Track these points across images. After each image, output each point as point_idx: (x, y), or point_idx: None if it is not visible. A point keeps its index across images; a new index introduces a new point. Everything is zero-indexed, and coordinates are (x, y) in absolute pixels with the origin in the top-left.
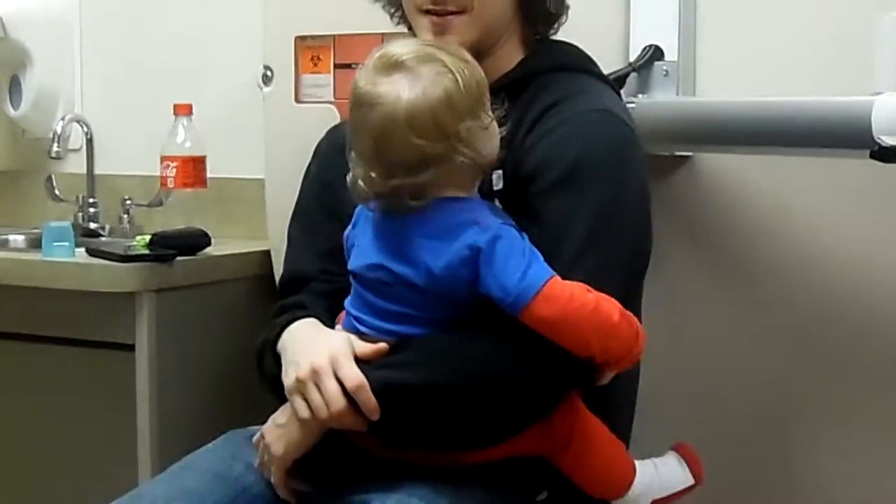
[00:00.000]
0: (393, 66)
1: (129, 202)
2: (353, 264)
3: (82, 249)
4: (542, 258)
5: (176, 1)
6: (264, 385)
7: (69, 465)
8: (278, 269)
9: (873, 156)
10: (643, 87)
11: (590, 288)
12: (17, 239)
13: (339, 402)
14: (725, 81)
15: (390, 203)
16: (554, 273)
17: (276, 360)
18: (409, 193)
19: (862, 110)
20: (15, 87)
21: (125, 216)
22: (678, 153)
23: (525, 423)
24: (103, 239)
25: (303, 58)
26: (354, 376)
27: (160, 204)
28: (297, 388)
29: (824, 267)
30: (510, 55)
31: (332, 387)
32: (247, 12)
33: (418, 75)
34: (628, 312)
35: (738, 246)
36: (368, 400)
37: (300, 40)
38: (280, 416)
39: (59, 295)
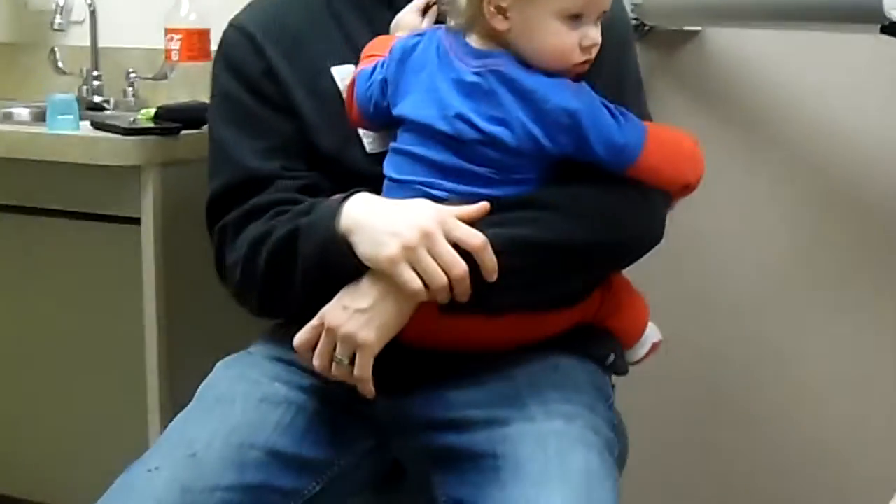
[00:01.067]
0: None
1: (133, 75)
2: (415, 113)
3: (87, 122)
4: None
5: None
6: (284, 280)
7: (75, 339)
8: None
9: (884, 30)
10: None
11: (661, 125)
12: (22, 112)
13: (459, 265)
14: None
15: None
16: (645, 123)
17: (322, 252)
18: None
19: None
20: None
21: (129, 89)
22: (687, 28)
23: (631, 262)
24: (108, 112)
25: None
26: (474, 235)
27: (165, 77)
28: (405, 257)
29: (829, 136)
30: None
31: (447, 250)
32: None
33: None
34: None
35: (745, 119)
36: (490, 260)
37: None
38: (356, 298)
39: (65, 168)
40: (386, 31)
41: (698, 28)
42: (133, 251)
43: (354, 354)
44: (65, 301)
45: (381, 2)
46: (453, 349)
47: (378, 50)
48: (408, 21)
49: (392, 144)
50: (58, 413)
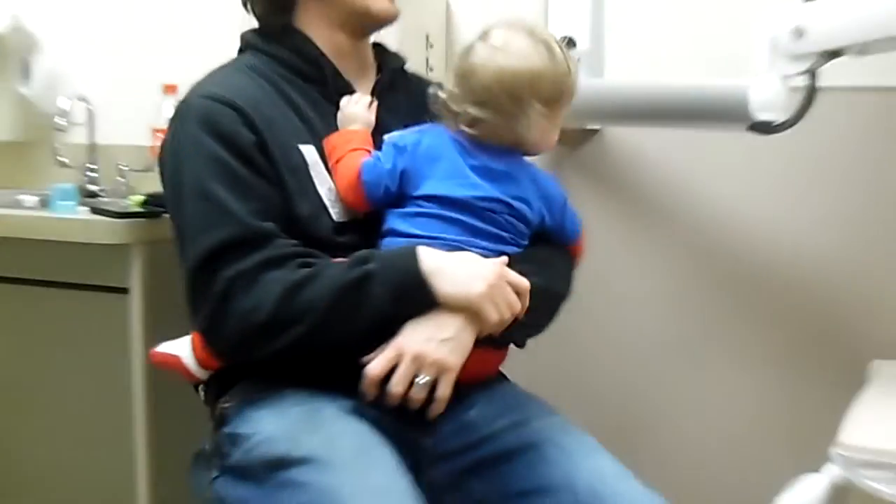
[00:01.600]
0: (546, 38)
1: (124, 168)
2: (451, 192)
3: (85, 208)
4: None
5: None
6: (343, 322)
7: (69, 398)
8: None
9: (750, 129)
10: None
11: None
12: (29, 199)
13: (518, 304)
14: (629, 67)
15: (502, 150)
16: None
17: (402, 291)
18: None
19: (741, 91)
20: (25, 68)
21: (121, 179)
22: (589, 127)
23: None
24: (102, 199)
25: None
26: (523, 281)
27: (151, 169)
28: (489, 295)
29: (711, 220)
30: (370, 50)
31: (511, 291)
32: (227, 2)
33: (568, 53)
34: None
35: (639, 202)
36: (528, 301)
37: None
38: (441, 332)
39: (65, 247)
40: (330, 121)
41: (598, 126)
42: (122, 317)
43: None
44: (63, 361)
45: (329, 100)
46: (464, 379)
47: (357, 144)
48: (359, 113)
49: (414, 209)
50: (48, 468)
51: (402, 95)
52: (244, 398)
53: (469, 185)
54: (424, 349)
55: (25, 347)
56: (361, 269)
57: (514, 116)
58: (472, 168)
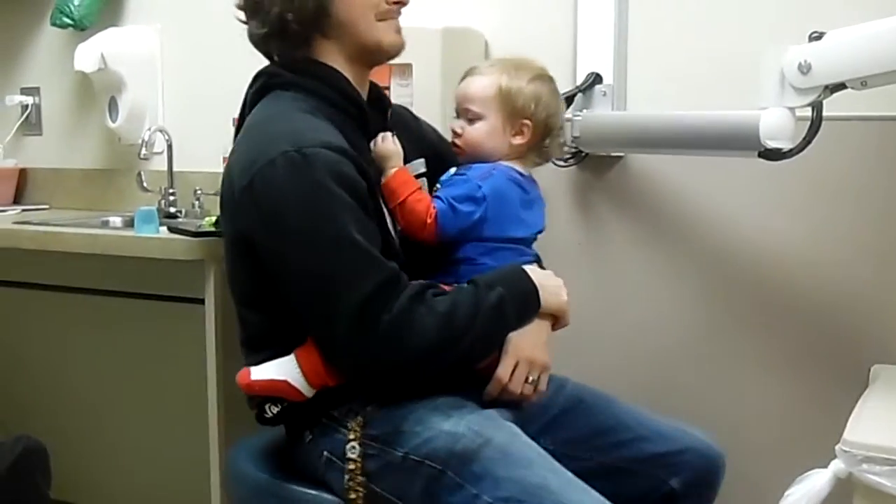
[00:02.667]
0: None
1: (199, 192)
2: (522, 233)
3: (164, 228)
4: None
5: (233, 39)
6: (492, 336)
7: (151, 396)
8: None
9: (761, 155)
10: (587, 104)
11: None
12: (116, 220)
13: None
14: (650, 100)
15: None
16: None
17: (526, 306)
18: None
19: (752, 121)
20: (113, 105)
21: (196, 202)
22: (613, 154)
23: None
24: (180, 220)
25: None
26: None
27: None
28: (566, 305)
29: (724, 238)
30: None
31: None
32: None
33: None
34: None
35: (659, 222)
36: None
37: None
38: (537, 335)
39: (148, 262)
40: (368, 155)
41: (622, 154)
42: (199, 324)
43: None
44: (146, 364)
45: (364, 132)
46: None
47: (414, 185)
48: (392, 149)
49: (492, 245)
50: (133, 463)
51: (402, 123)
52: (382, 404)
53: (527, 225)
54: (533, 354)
55: (112, 352)
56: (496, 292)
57: (543, 141)
58: (526, 203)
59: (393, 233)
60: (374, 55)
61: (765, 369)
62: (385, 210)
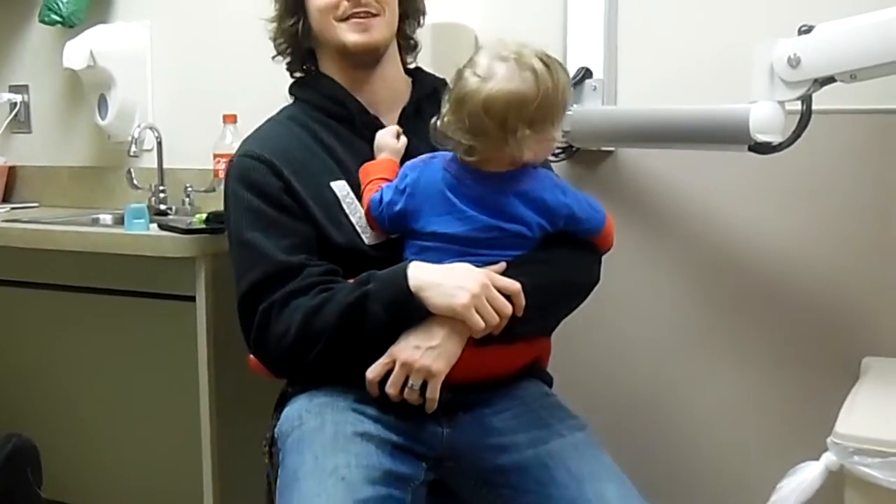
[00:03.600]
0: (525, 55)
1: (189, 189)
2: (447, 228)
3: (155, 225)
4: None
5: (223, 36)
6: (349, 337)
7: (142, 394)
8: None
9: (751, 149)
10: (577, 99)
11: None
12: (106, 218)
13: (508, 306)
14: (640, 94)
15: (497, 173)
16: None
17: (395, 307)
18: (538, 153)
19: (742, 115)
20: (102, 102)
21: (187, 199)
22: (604, 148)
23: (585, 298)
24: (171, 217)
25: None
26: (513, 283)
27: (213, 190)
28: (472, 304)
29: (715, 231)
30: (400, 77)
31: (499, 297)
32: None
33: (546, 64)
34: None
35: (650, 216)
36: (523, 300)
37: None
38: (425, 338)
39: (139, 260)
40: (365, 156)
41: (613, 148)
42: (190, 321)
43: (424, 382)
44: (138, 361)
45: (359, 135)
46: (481, 378)
47: (380, 173)
48: (387, 142)
49: (421, 244)
50: (124, 461)
51: (430, 119)
52: (300, 388)
53: (464, 219)
54: (412, 356)
55: (104, 350)
56: (361, 289)
57: (504, 142)
58: (466, 199)
59: (358, 228)
60: (347, 57)
61: (755, 362)
62: (358, 206)
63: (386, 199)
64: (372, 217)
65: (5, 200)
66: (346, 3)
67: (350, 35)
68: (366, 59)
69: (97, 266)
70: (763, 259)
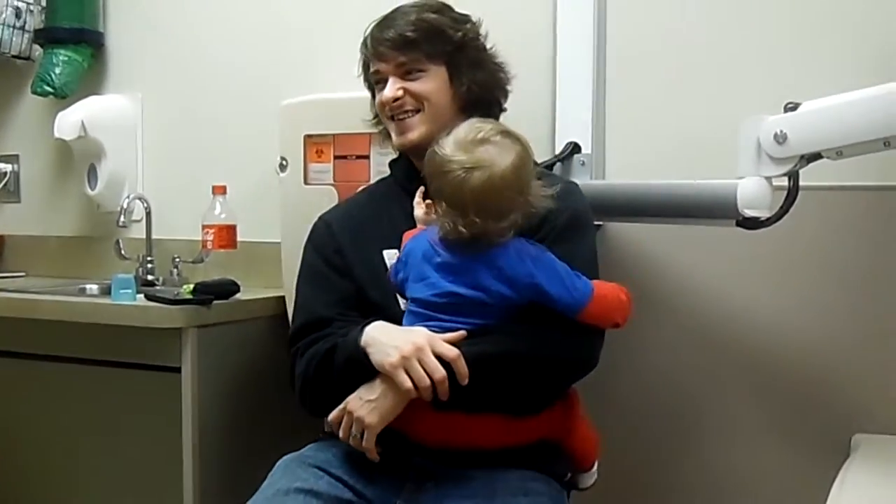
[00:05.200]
0: (480, 140)
1: (177, 260)
2: (418, 293)
3: (142, 295)
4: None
5: (213, 109)
6: (325, 382)
7: (127, 463)
8: (291, 310)
9: (739, 224)
10: (566, 173)
11: (603, 282)
12: (93, 287)
13: (440, 371)
14: (628, 169)
15: (464, 242)
16: (592, 282)
17: (349, 358)
18: (487, 235)
19: (730, 190)
20: (92, 172)
21: (175, 270)
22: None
23: (569, 384)
24: (158, 287)
25: (310, 151)
26: (450, 349)
27: (201, 261)
28: (401, 364)
29: (704, 305)
30: None
31: (432, 360)
32: (266, 116)
33: (502, 146)
34: (622, 287)
35: (641, 292)
36: (463, 368)
37: (308, 137)
38: (368, 392)
39: (125, 330)
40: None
41: (601, 223)
42: (175, 392)
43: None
44: (122, 433)
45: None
46: (449, 445)
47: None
48: (416, 214)
49: (409, 308)
50: None
51: None
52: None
53: (428, 285)
54: (354, 406)
55: (89, 420)
56: (333, 342)
57: (455, 221)
58: (438, 267)
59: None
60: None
61: (745, 438)
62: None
63: (394, 268)
64: (392, 285)
65: None
66: (387, 107)
67: (394, 136)
68: (417, 152)
69: (83, 336)
70: (752, 334)
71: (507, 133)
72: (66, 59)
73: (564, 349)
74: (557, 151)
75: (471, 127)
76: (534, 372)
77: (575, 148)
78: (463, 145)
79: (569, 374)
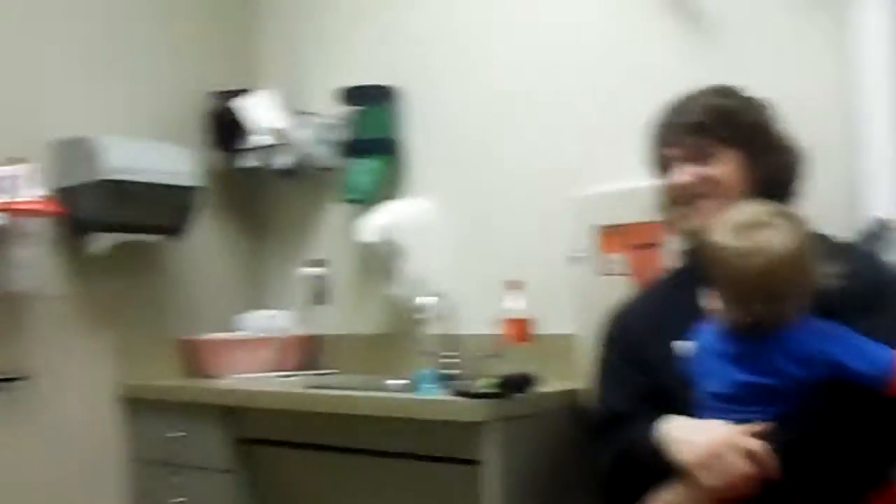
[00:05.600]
0: (753, 224)
1: (475, 354)
2: (709, 387)
3: (444, 390)
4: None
5: (502, 205)
6: (624, 481)
7: None
8: (586, 402)
9: None
10: (876, 247)
11: None
12: (396, 383)
13: (739, 467)
14: None
15: (750, 329)
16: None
17: (650, 455)
18: (772, 320)
19: None
20: (393, 273)
21: (472, 364)
22: None
23: (888, 465)
24: (457, 382)
25: (602, 241)
26: (755, 443)
27: (499, 355)
28: (701, 462)
29: None
30: None
31: (737, 457)
32: (555, 210)
33: (778, 228)
34: None
35: None
36: (770, 460)
37: (600, 228)
38: (667, 493)
39: (426, 424)
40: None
41: None
42: (472, 484)
43: None
44: None
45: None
46: None
47: None
48: (707, 303)
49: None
50: None
51: None
52: None
53: (718, 377)
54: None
55: None
56: (628, 440)
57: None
58: (726, 357)
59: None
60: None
61: None
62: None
63: (686, 362)
64: (684, 379)
65: (307, 368)
66: (676, 192)
67: (681, 222)
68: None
69: (388, 431)
70: None
71: (782, 214)
72: (370, 168)
73: (877, 426)
74: (859, 225)
75: (743, 210)
76: (849, 456)
77: (881, 223)
78: (737, 230)
79: (886, 454)
